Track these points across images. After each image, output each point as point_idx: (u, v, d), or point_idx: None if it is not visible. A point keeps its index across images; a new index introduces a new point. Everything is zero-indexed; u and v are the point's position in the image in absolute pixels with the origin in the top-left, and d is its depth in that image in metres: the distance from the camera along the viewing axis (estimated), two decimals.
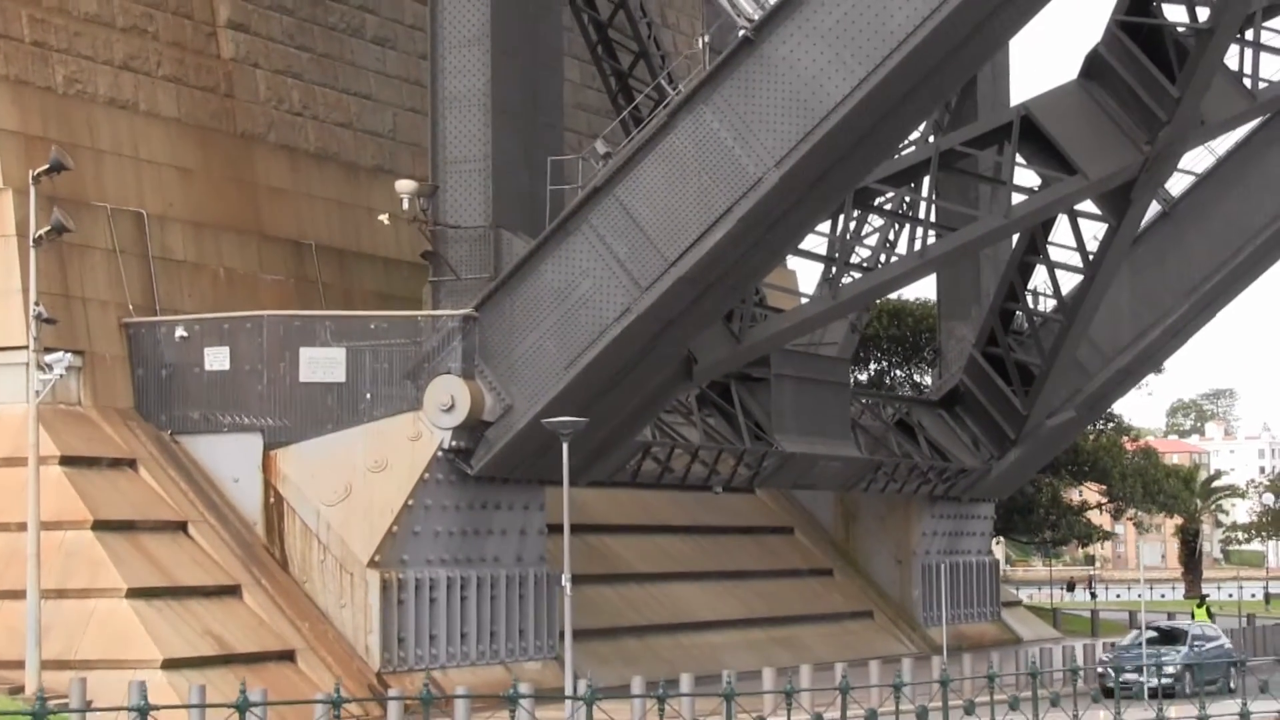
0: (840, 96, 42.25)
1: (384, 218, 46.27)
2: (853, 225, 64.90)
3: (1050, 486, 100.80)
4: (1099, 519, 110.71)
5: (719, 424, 56.98)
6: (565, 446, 34.81)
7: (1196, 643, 50.19)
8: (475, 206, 45.93)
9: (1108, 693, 41.31)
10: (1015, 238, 64.33)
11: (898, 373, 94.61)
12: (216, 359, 45.42)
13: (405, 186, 44.68)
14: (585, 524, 58.57)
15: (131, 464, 44.27)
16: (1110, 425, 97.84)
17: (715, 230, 43.19)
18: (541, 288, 44.59)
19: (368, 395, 45.03)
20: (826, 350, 62.90)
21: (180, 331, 45.70)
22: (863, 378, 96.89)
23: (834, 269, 51.59)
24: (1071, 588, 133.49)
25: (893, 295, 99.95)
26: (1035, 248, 63.49)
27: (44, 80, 46.56)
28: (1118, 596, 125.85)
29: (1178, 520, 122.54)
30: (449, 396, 44.35)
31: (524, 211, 46.14)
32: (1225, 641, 52.06)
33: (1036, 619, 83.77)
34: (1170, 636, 51.20)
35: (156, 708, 24.95)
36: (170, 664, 39.76)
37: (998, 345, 67.09)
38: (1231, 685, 47.96)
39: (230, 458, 45.21)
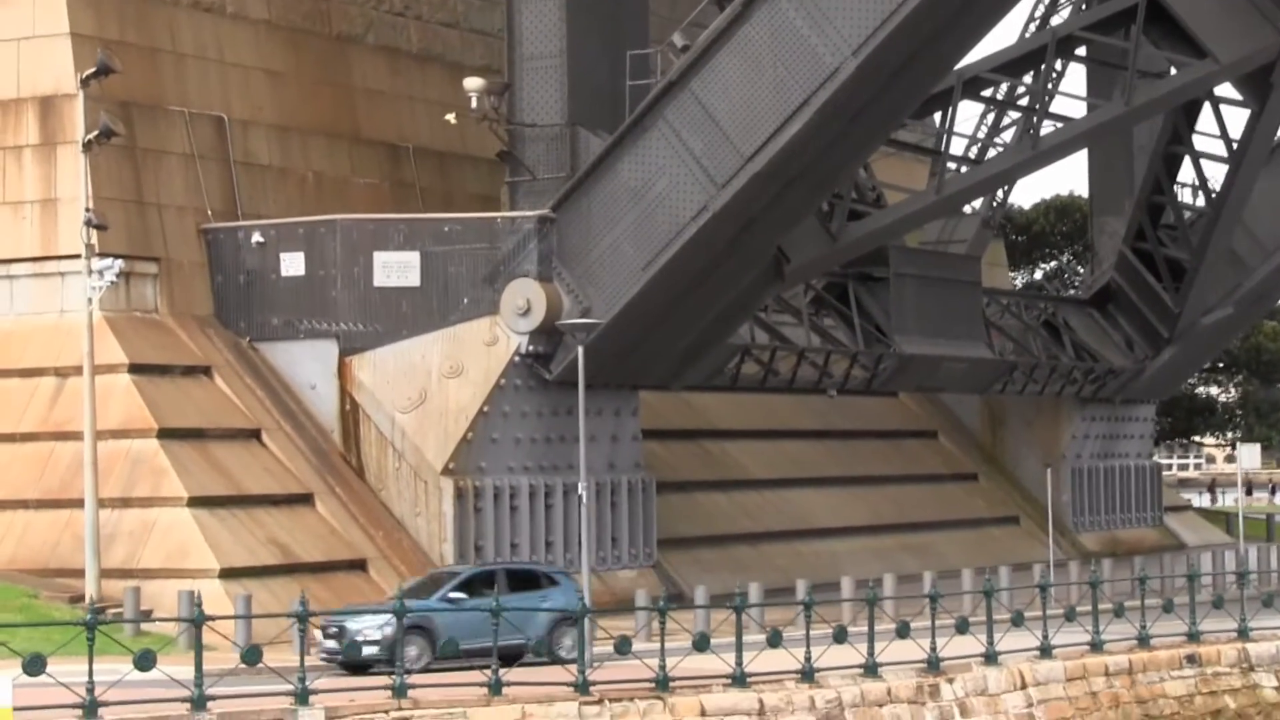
0: None
1: (450, 116, 45.01)
2: (988, 118, 62.93)
3: (1239, 386, 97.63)
4: None
5: (836, 325, 55.28)
6: (581, 350, 33.36)
7: (465, 592, 32.59)
8: (551, 104, 44.58)
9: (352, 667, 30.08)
10: (1159, 128, 61.72)
11: (1078, 269, 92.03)
12: (292, 264, 44.66)
13: (474, 84, 43.44)
14: (703, 429, 57.40)
15: (206, 371, 43.73)
16: None
17: (792, 123, 41.40)
18: (618, 186, 43.15)
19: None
20: (955, 248, 60.84)
21: (256, 237, 44.99)
22: (1037, 276, 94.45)
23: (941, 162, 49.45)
24: (1250, 490, 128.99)
25: (1063, 191, 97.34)
26: (1180, 137, 60.80)
27: None
28: None
29: None
30: (525, 300, 43.17)
31: (604, 108, 44.65)
32: (561, 589, 33.22)
33: (1207, 524, 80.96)
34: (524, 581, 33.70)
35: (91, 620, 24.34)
36: (228, 573, 39.16)
37: (1146, 241, 64.52)
38: (559, 649, 31.75)
39: (307, 364, 44.53)
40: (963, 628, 30.98)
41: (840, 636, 29.48)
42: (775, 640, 28.68)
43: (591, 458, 46.22)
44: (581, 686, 26.61)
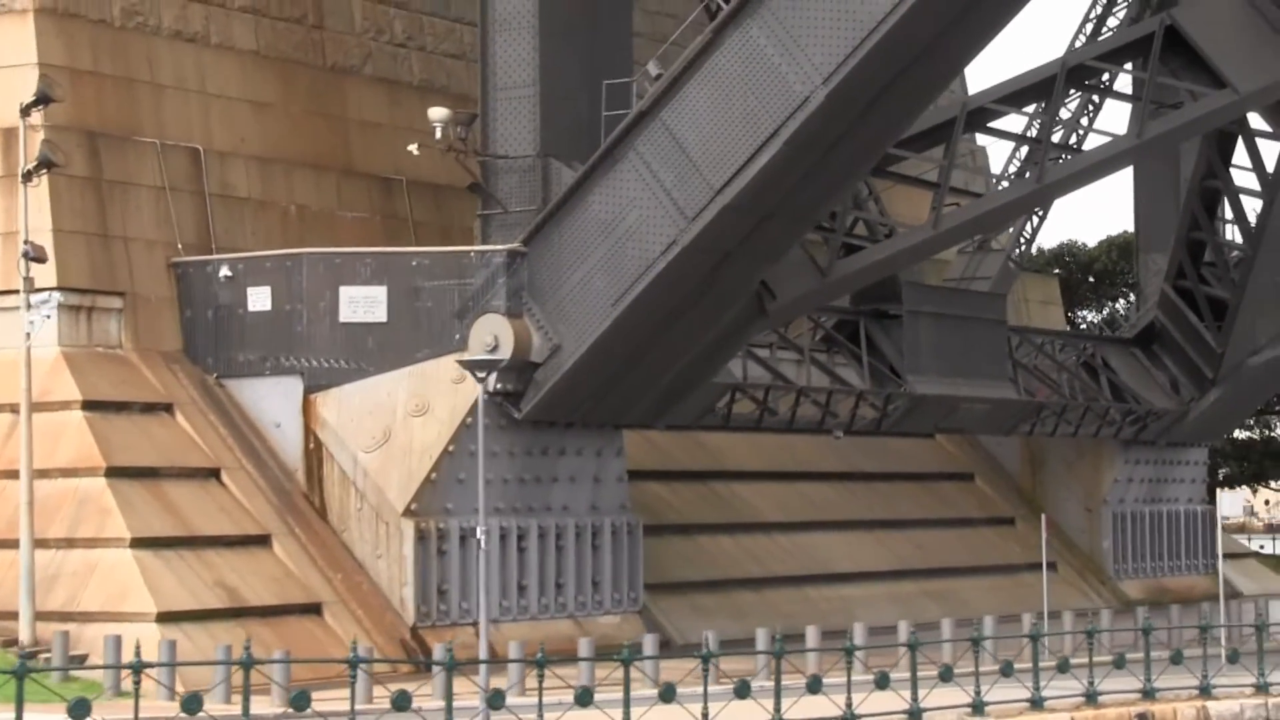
0: (890, 5, 38.61)
1: (413, 147, 43.79)
2: (1021, 151, 61.03)
3: None
4: None
5: (848, 363, 53.59)
6: (481, 389, 31.91)
7: None
8: (524, 135, 43.29)
9: None
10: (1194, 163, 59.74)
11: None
12: (259, 299, 43.60)
13: (438, 114, 42.18)
14: (714, 470, 55.85)
15: (168, 408, 42.69)
16: None
17: (761, 155, 39.91)
18: (589, 220, 41.79)
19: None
20: (979, 285, 59.01)
21: (224, 271, 43.97)
22: (1098, 317, 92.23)
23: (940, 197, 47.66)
24: None
25: (1131, 229, 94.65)
26: (1214, 172, 58.78)
27: (98, 13, 45.10)
28: None
29: None
30: (492, 336, 41.84)
31: (581, 139, 43.29)
32: None
33: (1268, 572, 78.29)
34: None
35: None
36: (166, 617, 37.97)
37: (1188, 278, 62.47)
38: None
39: (272, 402, 43.38)
40: (883, 683, 29.28)
41: (743, 691, 27.86)
42: (668, 695, 27.12)
43: (571, 499, 45.13)
44: None
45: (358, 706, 29.90)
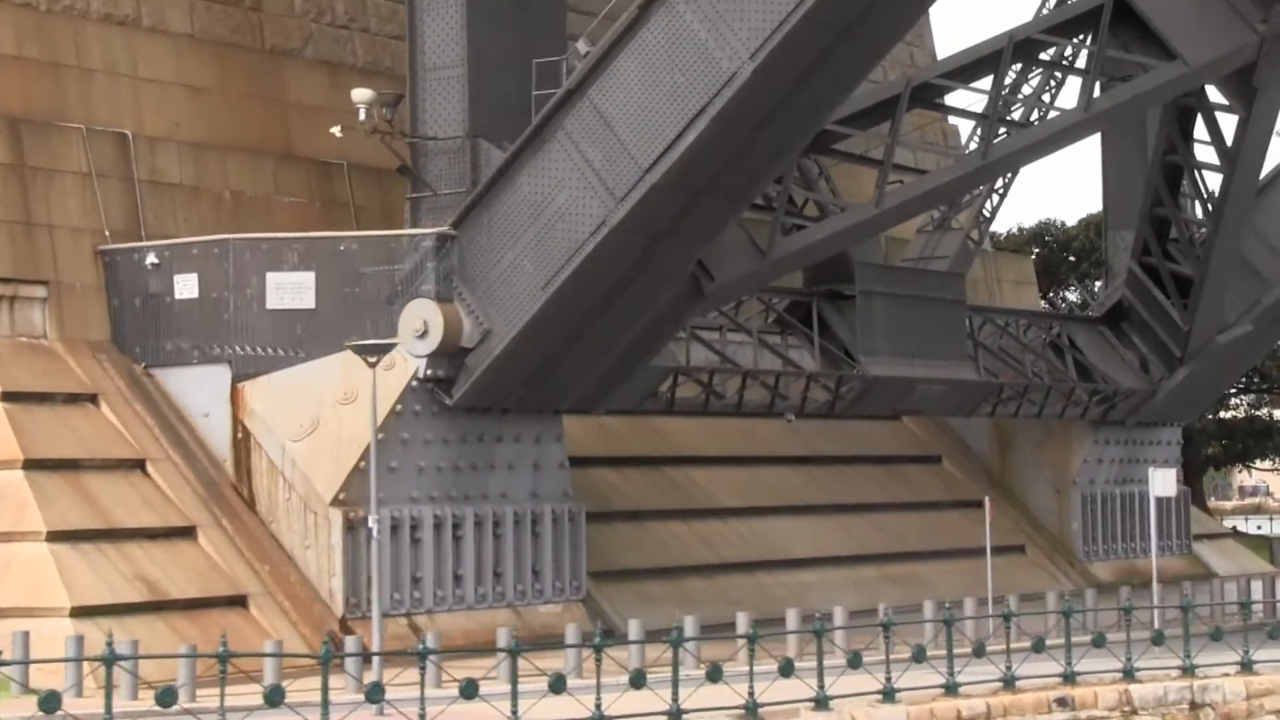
0: None
1: (336, 129, 42.99)
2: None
3: None
4: None
5: (801, 345, 52.76)
6: (374, 374, 31.12)
7: None
8: (453, 116, 42.51)
9: None
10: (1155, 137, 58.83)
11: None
12: (186, 286, 42.84)
13: (361, 95, 41.43)
14: (669, 456, 55.09)
15: (93, 399, 41.92)
16: None
17: (689, 132, 39.07)
18: (518, 201, 41.01)
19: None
20: (937, 265, 58.13)
21: (151, 258, 43.19)
22: (1078, 297, 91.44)
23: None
24: None
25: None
26: (1175, 147, 57.84)
27: None
28: None
29: None
30: (422, 322, 41.06)
31: (512, 119, 42.45)
32: None
33: (1247, 553, 77.41)
34: None
35: None
36: (81, 612, 37.19)
37: (1153, 255, 61.54)
38: None
39: (200, 391, 42.59)
40: (787, 670, 28.50)
41: (638, 681, 27.13)
42: (558, 686, 26.39)
43: (510, 486, 44.36)
44: None
45: (251, 702, 29.30)
